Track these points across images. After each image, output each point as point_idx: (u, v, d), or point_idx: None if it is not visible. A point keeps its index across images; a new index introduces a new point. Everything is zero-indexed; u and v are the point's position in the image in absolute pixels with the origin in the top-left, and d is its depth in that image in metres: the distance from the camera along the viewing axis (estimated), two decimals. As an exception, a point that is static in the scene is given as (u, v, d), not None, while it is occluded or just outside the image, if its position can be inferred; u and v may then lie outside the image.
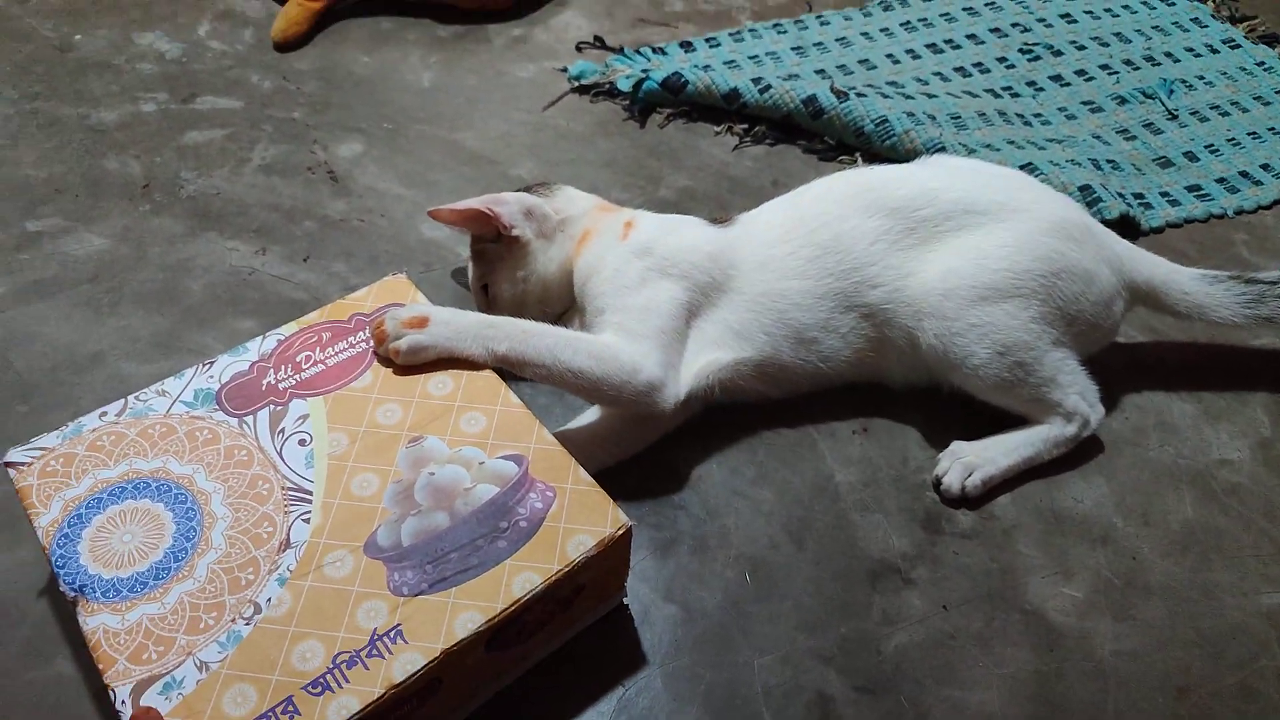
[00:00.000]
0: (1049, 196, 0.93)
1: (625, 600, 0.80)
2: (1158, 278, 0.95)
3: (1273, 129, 1.33)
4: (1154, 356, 1.03)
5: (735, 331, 0.88)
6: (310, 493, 0.71)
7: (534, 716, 0.73)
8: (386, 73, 1.38)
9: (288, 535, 0.69)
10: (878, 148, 1.24)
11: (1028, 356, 0.86)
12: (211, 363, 0.80)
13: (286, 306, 1.03)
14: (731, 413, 0.93)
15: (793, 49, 1.44)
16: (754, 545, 0.84)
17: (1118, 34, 1.48)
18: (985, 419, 0.91)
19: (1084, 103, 1.36)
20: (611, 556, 0.72)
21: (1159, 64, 1.44)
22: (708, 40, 1.45)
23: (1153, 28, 1.50)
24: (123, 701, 0.60)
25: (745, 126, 1.30)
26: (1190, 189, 1.24)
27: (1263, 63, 1.45)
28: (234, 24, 1.45)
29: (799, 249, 0.90)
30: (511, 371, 0.81)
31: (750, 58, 1.42)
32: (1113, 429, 0.95)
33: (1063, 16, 1.51)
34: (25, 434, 0.81)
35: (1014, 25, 1.49)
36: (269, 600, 0.65)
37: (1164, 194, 1.23)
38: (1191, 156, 1.29)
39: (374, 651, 0.63)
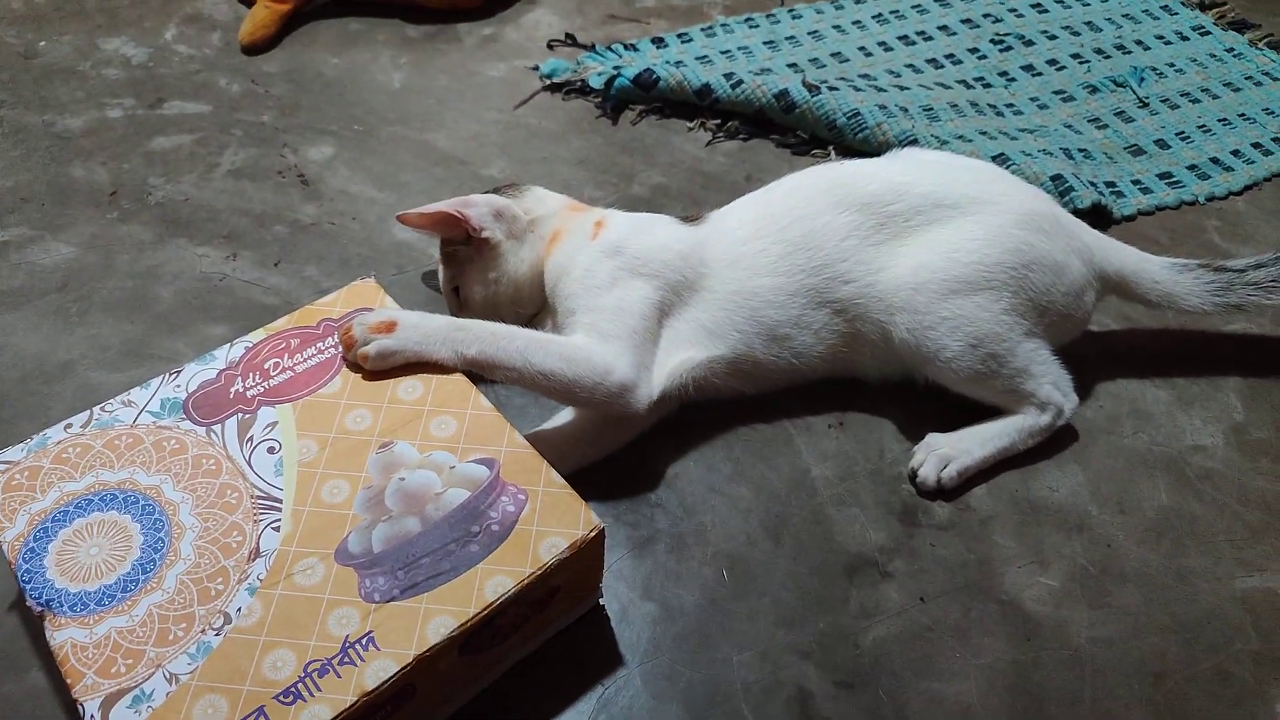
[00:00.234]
0: (1019, 188, 0.93)
1: (601, 601, 0.79)
2: (1128, 267, 0.95)
3: (1243, 115, 1.34)
4: (1127, 344, 1.04)
5: (708, 330, 0.88)
6: (280, 500, 0.71)
7: (513, 718, 0.73)
8: (356, 74, 1.37)
9: (257, 544, 0.68)
10: (850, 141, 1.24)
11: (1000, 348, 0.86)
12: (178, 372, 0.79)
13: (258, 312, 1.02)
14: (707, 410, 0.93)
15: (765, 43, 1.44)
16: (731, 542, 0.84)
17: (1088, 22, 1.49)
18: (960, 411, 0.92)
19: (1056, 92, 1.37)
20: (585, 558, 0.71)
21: (1130, 52, 1.44)
22: (679, 36, 1.45)
23: (1123, 15, 1.51)
24: (91, 716, 0.59)
25: (718, 122, 1.30)
26: (1162, 176, 1.25)
27: (1232, 49, 1.46)
28: (201, 28, 1.43)
29: (770, 246, 0.90)
30: (482, 375, 0.81)
31: (722, 52, 1.42)
32: (1087, 417, 0.96)
33: (1034, 6, 1.51)
34: (-7, 446, 0.80)
35: (985, 16, 1.50)
36: (239, 610, 0.64)
37: (1136, 182, 1.23)
38: (1163, 144, 1.30)
39: (346, 659, 0.62)
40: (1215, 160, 1.27)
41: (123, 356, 0.97)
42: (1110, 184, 1.22)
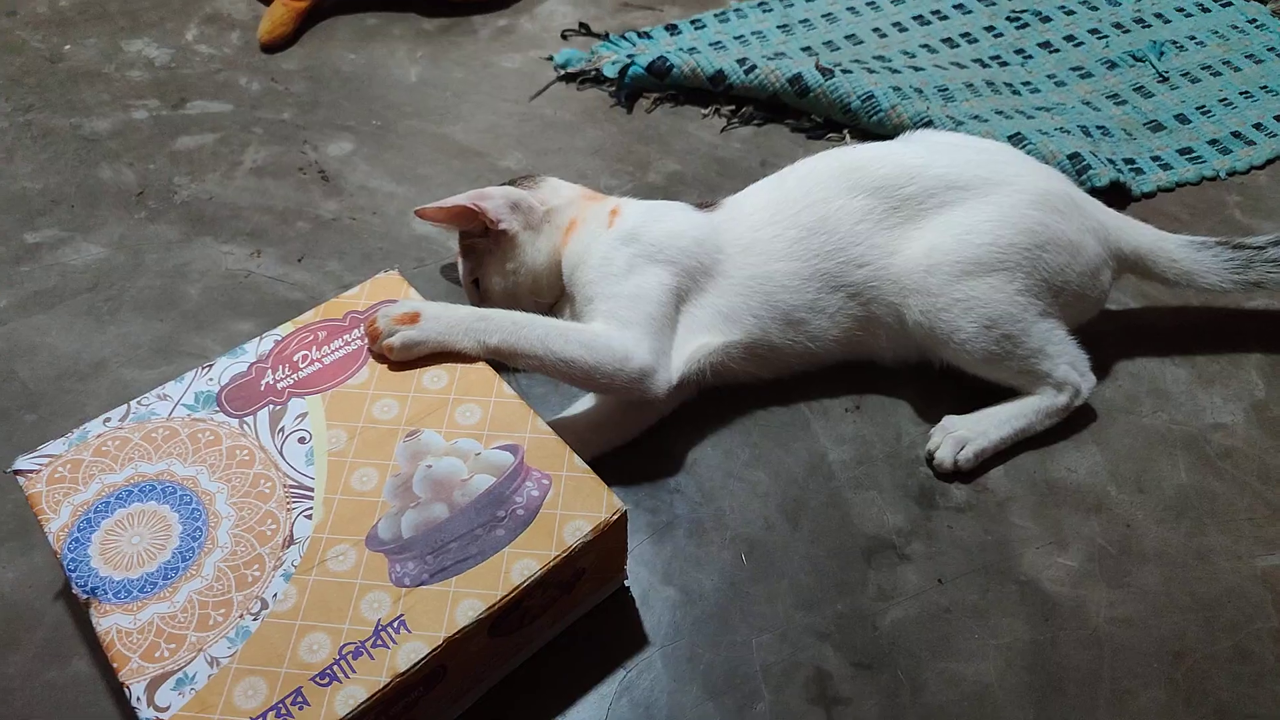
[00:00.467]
0: (1032, 168, 0.93)
1: (627, 583, 0.81)
2: (1145, 246, 0.95)
3: (1265, 87, 1.32)
4: (1146, 322, 1.04)
5: (724, 315, 0.89)
6: (311, 489, 0.73)
7: (538, 700, 0.75)
8: (374, 69, 1.38)
9: (291, 531, 0.70)
10: (865, 124, 1.24)
11: (1014, 329, 0.87)
12: (211, 365, 0.81)
13: (283, 307, 1.04)
14: (725, 395, 0.94)
15: (778, 27, 1.44)
16: (750, 526, 0.85)
17: (1107, -3, 1.47)
18: (977, 393, 0.92)
19: (1073, 69, 1.36)
20: (608, 540, 0.73)
21: (1149, 26, 1.43)
22: (693, 22, 1.45)
23: (1143, -11, 1.49)
24: (138, 698, 0.62)
25: (732, 108, 1.30)
26: (1182, 152, 1.23)
27: (1254, 19, 1.44)
28: (221, 27, 1.46)
29: (784, 231, 0.90)
30: (505, 363, 0.83)
31: (736, 38, 1.42)
32: (1105, 397, 0.96)
33: (1051, -18, 1.50)
34: (33, 442, 0.83)
35: (1002, -7, 1.48)
36: (275, 595, 0.67)
37: (1155, 158, 1.22)
38: (1183, 119, 1.28)
39: (379, 642, 0.65)
40: (1236, 134, 1.26)
41: (153, 354, 1.00)
42: (1129, 161, 1.21)
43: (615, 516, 0.72)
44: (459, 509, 0.71)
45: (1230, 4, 1.46)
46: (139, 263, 1.10)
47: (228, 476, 0.74)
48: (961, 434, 0.89)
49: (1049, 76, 1.35)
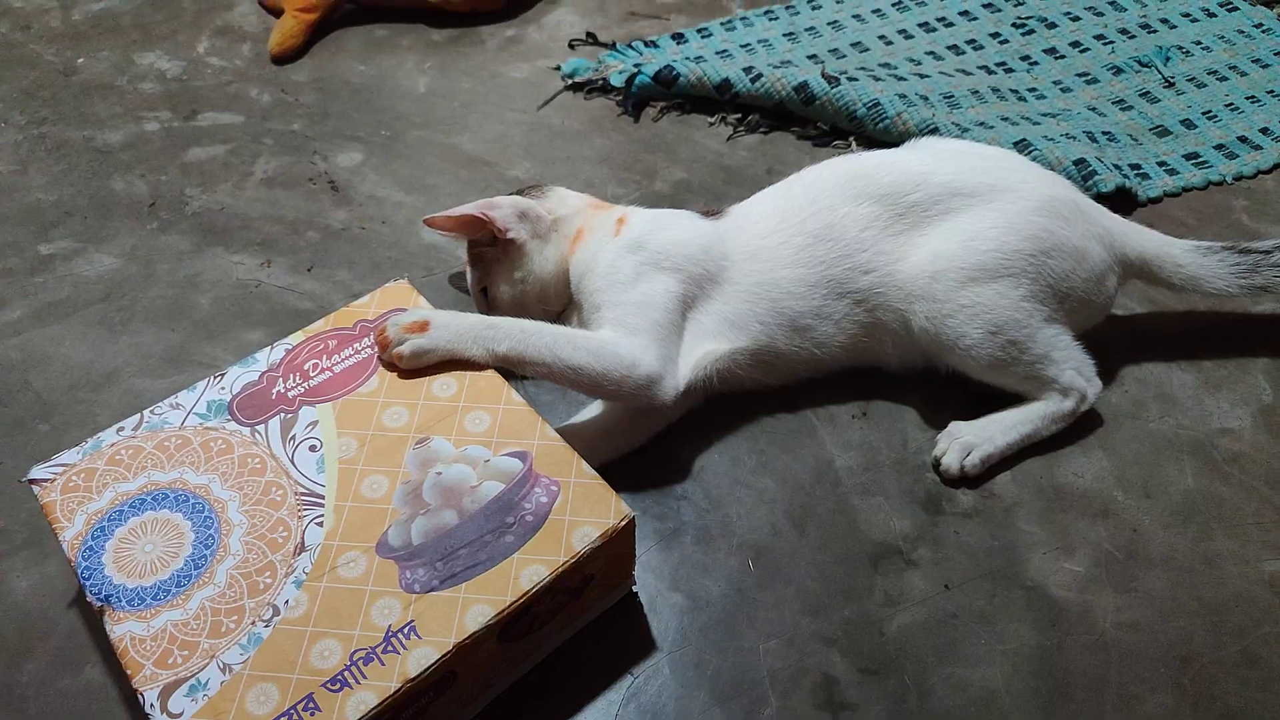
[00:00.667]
0: (1037, 175, 0.94)
1: (635, 588, 0.82)
2: (1150, 251, 0.95)
3: (1272, 92, 1.32)
4: (1152, 327, 1.04)
5: (731, 322, 0.90)
6: (322, 497, 0.74)
7: (546, 705, 0.75)
8: (383, 80, 1.40)
9: (302, 539, 0.71)
10: (871, 131, 1.25)
11: (1020, 335, 0.87)
12: (222, 374, 0.82)
13: (293, 316, 1.05)
14: (731, 402, 0.95)
15: (784, 35, 1.44)
16: (757, 533, 0.86)
17: (1112, 2, 1.47)
18: (983, 399, 0.92)
19: (1079, 75, 1.36)
20: (616, 546, 0.74)
21: (1155, 31, 1.43)
22: (699, 31, 1.46)
23: (1148, -6, 1.49)
24: (151, 705, 0.62)
25: (738, 116, 1.31)
26: (1188, 157, 1.24)
27: (1261, 24, 1.44)
28: (232, 39, 1.47)
29: (790, 238, 0.91)
30: (513, 371, 0.83)
31: (742, 46, 1.43)
32: (1112, 402, 0.96)
33: (1056, -12, 1.50)
34: (47, 452, 0.84)
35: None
36: (287, 602, 0.68)
37: (1161, 163, 1.22)
38: (1189, 124, 1.28)
39: (389, 648, 0.65)
40: (1243, 139, 1.26)
41: (165, 363, 1.01)
42: (1135, 166, 1.21)
43: (623, 522, 0.72)
44: (468, 515, 0.72)
45: (1236, 9, 1.46)
46: (151, 273, 1.11)
47: (240, 484, 0.75)
48: (968, 440, 0.89)
49: (1055, 82, 1.35)
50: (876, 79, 1.29)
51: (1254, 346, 1.01)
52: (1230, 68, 1.36)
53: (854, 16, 1.47)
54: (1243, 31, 1.43)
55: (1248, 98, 1.31)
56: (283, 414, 0.79)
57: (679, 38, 1.45)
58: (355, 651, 0.65)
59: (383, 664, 0.64)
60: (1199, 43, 1.41)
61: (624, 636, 0.79)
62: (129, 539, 0.71)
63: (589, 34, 1.46)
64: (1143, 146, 1.25)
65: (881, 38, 1.43)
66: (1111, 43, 1.41)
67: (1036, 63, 1.38)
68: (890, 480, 0.90)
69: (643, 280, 0.88)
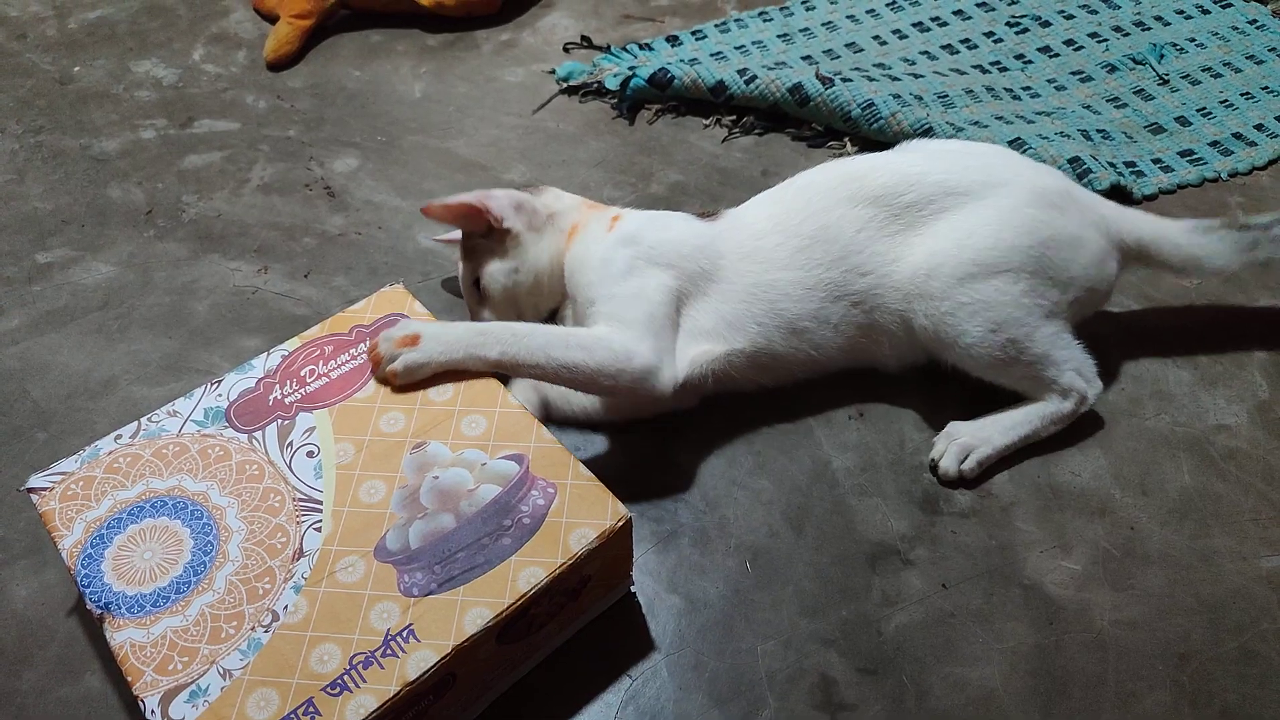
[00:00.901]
0: (1028, 167, 0.94)
1: (633, 589, 0.82)
2: (1147, 234, 0.95)
3: (1266, 88, 1.32)
4: (1148, 324, 1.04)
5: (727, 322, 0.90)
6: (320, 502, 0.74)
7: (545, 708, 0.75)
8: (378, 85, 1.40)
9: (301, 544, 0.71)
10: (866, 132, 1.25)
11: (1019, 333, 0.87)
12: (219, 381, 0.83)
13: (290, 322, 1.05)
14: (728, 404, 0.95)
15: (779, 36, 1.45)
16: (754, 534, 0.86)
17: (1106, 0, 1.48)
18: (981, 399, 0.92)
19: (1073, 73, 1.36)
20: (614, 547, 0.74)
21: (1149, 28, 1.43)
22: (694, 33, 1.46)
23: (1142, -8, 1.50)
24: (152, 711, 0.62)
25: (733, 118, 1.31)
26: (1183, 154, 1.24)
27: (1254, 20, 1.44)
28: (227, 46, 1.48)
29: (786, 240, 0.91)
30: (509, 375, 0.83)
31: (737, 48, 1.43)
32: (1109, 400, 0.96)
33: (1050, -13, 1.51)
34: (46, 460, 0.84)
35: (1000, -2, 1.49)
36: (286, 607, 0.68)
37: (1156, 160, 1.23)
38: (1184, 121, 1.28)
39: (388, 651, 0.65)
40: (1238, 135, 1.26)
41: (162, 371, 1.01)
42: (1130, 164, 1.21)
43: (620, 523, 0.73)
44: (466, 519, 0.72)
45: (1230, 5, 1.47)
46: (148, 281, 1.11)
47: (238, 491, 0.75)
48: (966, 441, 0.89)
49: (1049, 81, 1.35)
50: (871, 79, 1.29)
51: (1250, 343, 1.01)
52: (1224, 64, 1.37)
53: (848, 17, 1.47)
54: (1237, 28, 1.43)
55: (1242, 94, 1.32)
56: (280, 420, 0.80)
57: (673, 40, 1.45)
58: (354, 655, 0.65)
59: (382, 667, 0.65)
60: (1193, 39, 1.41)
61: (622, 639, 0.79)
62: (128, 546, 0.71)
63: (583, 37, 1.46)
64: (1138, 144, 1.25)
65: (876, 38, 1.43)
66: (1106, 40, 1.41)
67: (1031, 61, 1.39)
68: (887, 481, 0.90)
69: (636, 274, 0.88)
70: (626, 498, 0.87)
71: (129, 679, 0.64)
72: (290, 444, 0.78)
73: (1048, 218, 0.88)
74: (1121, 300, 1.05)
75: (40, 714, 0.75)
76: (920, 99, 1.26)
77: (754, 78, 1.29)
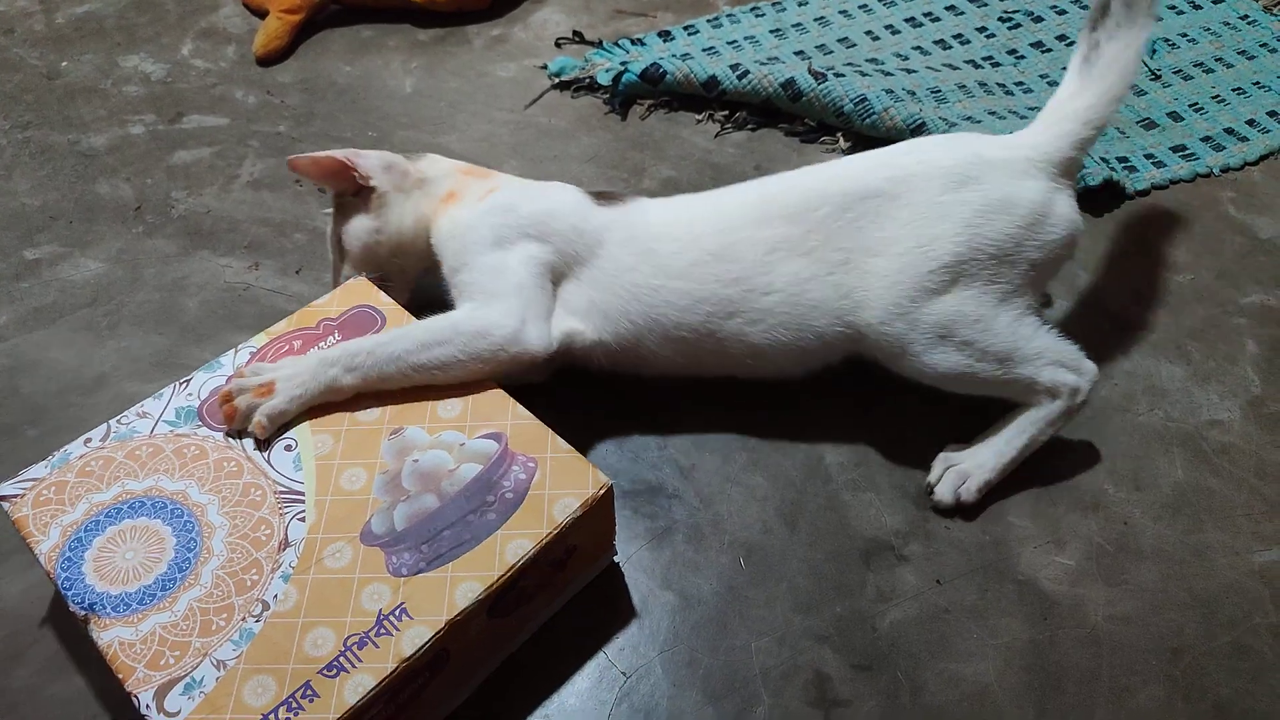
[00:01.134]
0: (933, 146, 0.89)
1: (616, 558, 0.83)
2: (1066, 139, 0.88)
3: (1258, 83, 1.32)
4: (1141, 319, 1.04)
5: (601, 312, 0.88)
6: (302, 493, 0.74)
7: (538, 708, 0.75)
8: (369, 80, 1.39)
9: (285, 535, 0.71)
10: (858, 127, 1.24)
11: (972, 333, 0.82)
12: (188, 380, 0.82)
13: (281, 318, 1.04)
14: (722, 401, 0.94)
15: (771, 31, 1.44)
16: (748, 530, 0.86)
17: (1099, -4, 1.47)
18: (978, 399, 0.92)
19: (1066, 68, 1.35)
20: (597, 516, 0.75)
21: (1141, 24, 1.43)
22: (686, 28, 1.46)
23: (1134, -12, 1.49)
24: (147, 706, 0.62)
25: (726, 113, 1.31)
26: (1175, 149, 1.24)
27: (1246, 15, 1.44)
28: (216, 42, 1.46)
29: (684, 251, 0.87)
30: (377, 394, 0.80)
31: (729, 43, 1.42)
32: (1101, 396, 0.96)
33: (1043, -18, 1.50)
34: (38, 456, 0.82)
35: (993, -6, 1.49)
36: (276, 596, 0.68)
37: (1148, 156, 1.23)
38: (1176, 116, 1.28)
39: (382, 630, 0.66)
40: (1230, 131, 1.26)
41: (153, 367, 1.00)
42: (1123, 159, 1.21)
43: (602, 491, 0.74)
44: (449, 498, 0.73)
45: (1222, 1, 1.47)
46: (137, 277, 1.10)
47: (217, 488, 0.74)
48: (963, 468, 0.86)
49: (1041, 76, 1.35)
50: (863, 75, 1.29)
51: (1242, 339, 1.02)
52: (1217, 59, 1.37)
53: (840, 13, 1.47)
54: (1229, 24, 1.43)
55: (1234, 89, 1.32)
56: None
57: (666, 35, 1.45)
58: (349, 637, 0.65)
59: (377, 647, 0.65)
60: (1185, 35, 1.41)
61: (616, 636, 0.79)
62: (108, 548, 0.71)
63: (575, 32, 1.46)
64: (1129, 139, 1.25)
65: (868, 33, 1.43)
66: (1098, 36, 1.40)
67: (1024, 56, 1.38)
68: (881, 476, 0.90)
69: (503, 245, 0.87)
70: (620, 494, 0.88)
71: (120, 676, 0.64)
72: (267, 439, 0.78)
73: (966, 196, 0.83)
74: (1113, 296, 1.05)
75: (32, 712, 0.74)
76: (913, 94, 1.26)
77: (746, 73, 1.29)
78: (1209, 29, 1.42)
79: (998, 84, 1.33)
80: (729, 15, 1.48)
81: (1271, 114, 1.28)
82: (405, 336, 0.81)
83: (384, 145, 1.28)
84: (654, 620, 0.80)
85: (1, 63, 1.43)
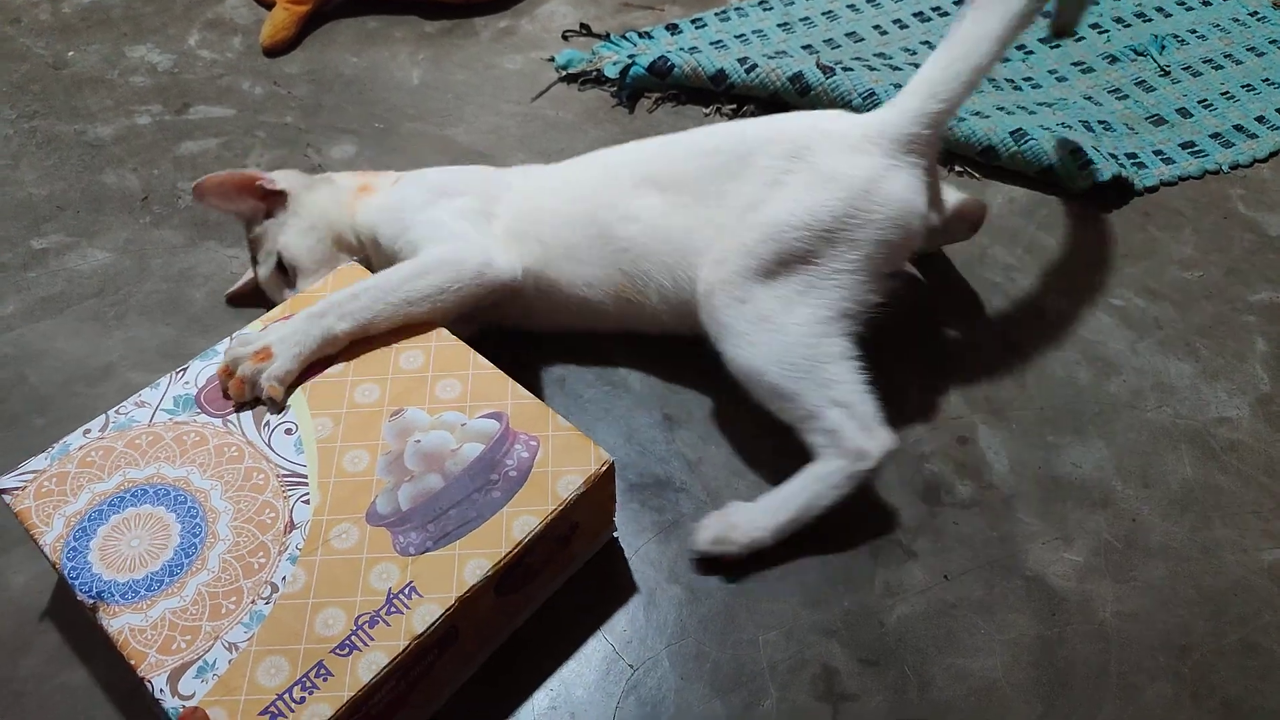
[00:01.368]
0: (791, 116, 0.91)
1: (615, 534, 0.84)
2: (910, 114, 0.84)
3: (1268, 80, 1.32)
4: (1149, 317, 1.03)
5: (516, 236, 0.93)
6: (305, 476, 0.74)
7: (543, 683, 0.75)
8: (376, 72, 1.39)
9: (291, 517, 0.71)
10: (867, 121, 1.24)
11: (779, 322, 0.80)
12: (185, 369, 0.82)
13: (288, 310, 1.04)
14: (730, 394, 0.94)
15: (779, 25, 1.44)
16: (755, 524, 0.85)
17: (1108, -9, 1.47)
18: (990, 384, 0.92)
19: (1074, 64, 1.35)
20: (599, 492, 0.76)
21: (1150, 20, 1.42)
22: (694, 21, 1.45)
23: (1144, -16, 1.49)
24: (160, 690, 0.62)
25: (734, 107, 1.30)
26: (1184, 146, 1.23)
27: (1255, 12, 1.43)
28: (223, 32, 1.46)
29: (572, 182, 0.96)
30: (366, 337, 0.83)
31: (737, 36, 1.42)
32: (1110, 392, 0.95)
33: (1052, -23, 1.49)
34: (44, 446, 0.82)
35: (1002, -11, 1.48)
36: (284, 578, 0.68)
37: (1158, 152, 1.22)
38: (1185, 113, 1.28)
39: (393, 609, 0.66)
40: (1239, 127, 1.25)
41: (160, 357, 1.00)
42: (1131, 155, 1.21)
43: (604, 467, 0.74)
44: (453, 477, 0.73)
45: (1232, -3, 1.46)
46: (144, 267, 1.10)
47: (219, 474, 0.74)
48: (734, 519, 0.81)
49: (1050, 71, 1.35)
50: (871, 69, 1.29)
51: (1251, 336, 1.01)
52: (1226, 56, 1.36)
53: (849, 7, 1.46)
54: (1238, 20, 1.42)
55: (1243, 86, 1.31)
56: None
57: (673, 29, 1.44)
58: (360, 616, 0.66)
59: (388, 625, 0.65)
60: (1194, 31, 1.40)
61: (623, 628, 0.79)
62: (113, 536, 0.71)
63: (583, 25, 1.45)
64: (1139, 135, 1.25)
65: (876, 27, 1.43)
66: (1106, 31, 1.40)
67: (1032, 51, 1.38)
68: (889, 471, 0.89)
69: (435, 204, 0.92)
70: (628, 487, 0.87)
71: (132, 662, 0.64)
72: (267, 423, 0.78)
73: (795, 166, 0.83)
74: (1123, 293, 1.05)
75: (40, 701, 0.74)
76: (922, 89, 1.25)
77: (754, 66, 1.28)
78: (1218, 25, 1.41)
79: (1006, 79, 1.32)
80: (737, 9, 1.47)
81: (1281, 111, 1.27)
82: (387, 277, 0.84)
83: (391, 136, 1.28)
84: (661, 613, 0.79)
85: (8, 53, 1.42)
